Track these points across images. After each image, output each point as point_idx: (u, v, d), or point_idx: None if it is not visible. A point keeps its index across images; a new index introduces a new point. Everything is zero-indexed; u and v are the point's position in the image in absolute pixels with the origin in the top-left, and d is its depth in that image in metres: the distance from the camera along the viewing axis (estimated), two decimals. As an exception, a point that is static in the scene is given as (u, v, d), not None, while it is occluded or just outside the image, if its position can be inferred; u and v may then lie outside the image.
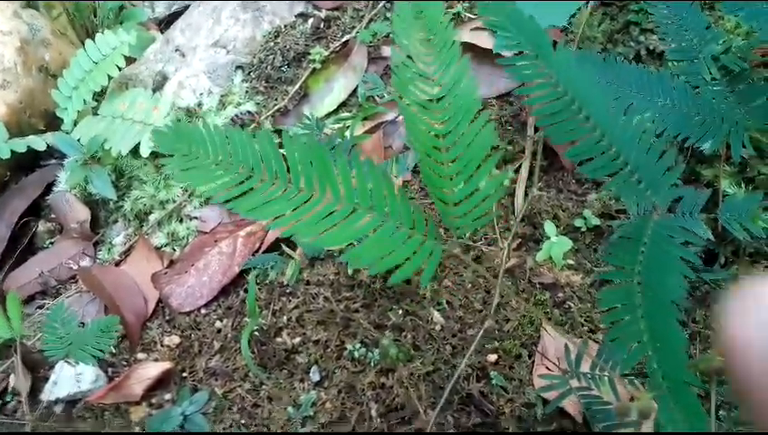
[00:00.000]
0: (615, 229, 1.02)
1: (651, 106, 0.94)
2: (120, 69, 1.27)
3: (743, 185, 1.00)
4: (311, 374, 1.03)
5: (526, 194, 1.12)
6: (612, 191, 0.64)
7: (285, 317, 1.10)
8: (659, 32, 1.23)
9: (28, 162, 1.39)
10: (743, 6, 0.87)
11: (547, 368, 0.95)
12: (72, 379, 1.03)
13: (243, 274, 1.16)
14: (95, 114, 1.27)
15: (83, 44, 1.64)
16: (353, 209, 0.48)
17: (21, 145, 1.24)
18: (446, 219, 0.51)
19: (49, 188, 1.34)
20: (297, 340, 1.07)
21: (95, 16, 1.70)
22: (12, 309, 0.92)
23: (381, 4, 1.42)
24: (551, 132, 0.60)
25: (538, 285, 1.03)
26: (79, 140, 1.24)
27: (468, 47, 1.33)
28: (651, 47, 1.28)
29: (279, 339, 1.08)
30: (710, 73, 0.94)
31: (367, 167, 0.49)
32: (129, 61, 1.41)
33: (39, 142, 1.25)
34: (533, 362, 0.97)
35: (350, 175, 0.49)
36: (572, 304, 1.01)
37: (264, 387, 1.04)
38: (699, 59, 0.98)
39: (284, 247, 1.08)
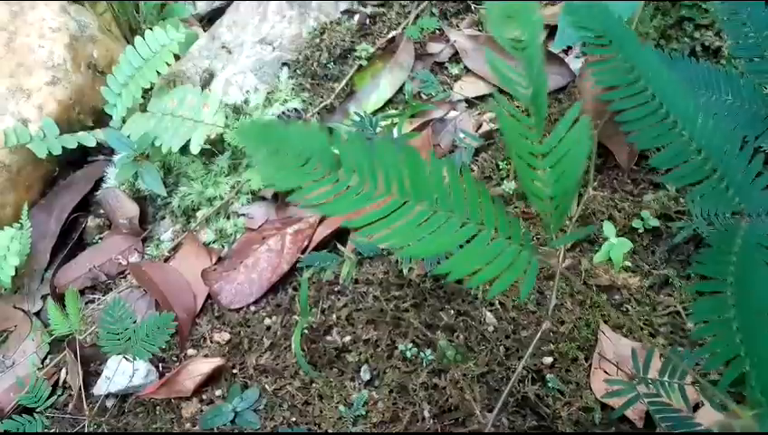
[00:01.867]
0: (675, 232, 1.00)
1: (719, 105, 0.91)
2: (169, 65, 1.27)
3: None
4: (361, 373, 1.03)
5: (580, 194, 1.10)
6: (698, 200, 0.62)
7: (335, 316, 1.09)
8: (716, 28, 1.20)
9: (76, 158, 1.40)
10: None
11: (605, 371, 0.94)
12: (125, 374, 1.04)
13: (291, 271, 1.16)
14: (144, 111, 1.28)
15: (127, 41, 1.65)
16: (448, 217, 0.47)
17: (71, 141, 1.25)
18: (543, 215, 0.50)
19: (97, 184, 1.35)
20: (347, 338, 1.07)
21: (138, 13, 1.72)
22: (70, 305, 0.93)
23: (427, 0, 1.40)
24: (637, 138, 0.59)
25: (594, 287, 1.02)
26: (129, 137, 1.25)
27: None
28: (706, 43, 1.24)
29: (329, 337, 1.08)
30: (779, 72, 0.92)
31: (464, 174, 0.48)
32: (175, 58, 1.42)
33: (89, 139, 1.27)
34: (590, 365, 0.95)
35: (443, 181, 0.47)
36: (630, 307, 0.99)
37: (314, 385, 1.04)
38: (765, 57, 0.95)
39: (339, 246, 1.08)
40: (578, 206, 1.07)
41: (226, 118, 1.27)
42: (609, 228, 0.97)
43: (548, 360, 0.97)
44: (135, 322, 1.10)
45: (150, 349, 0.92)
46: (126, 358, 0.91)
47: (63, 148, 1.25)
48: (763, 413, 0.46)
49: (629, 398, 0.75)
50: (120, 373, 1.04)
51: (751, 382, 0.48)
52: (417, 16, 1.38)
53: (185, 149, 1.25)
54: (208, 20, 1.77)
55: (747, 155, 0.60)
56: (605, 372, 0.93)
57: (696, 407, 0.86)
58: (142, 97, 1.36)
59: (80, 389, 1.07)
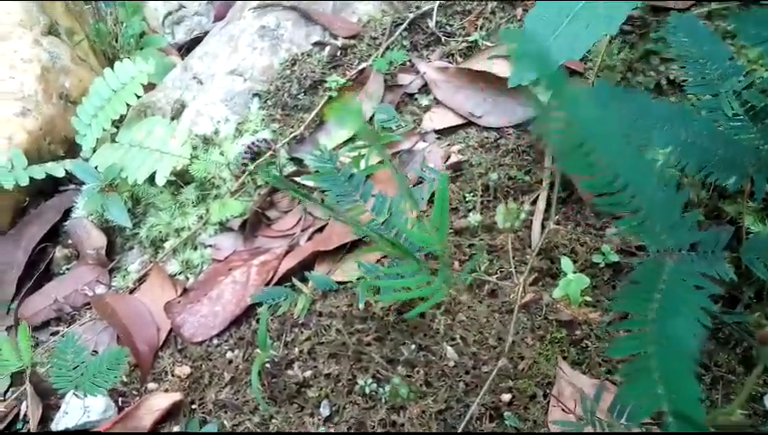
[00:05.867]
0: (635, 267, 0.99)
1: (673, 140, 0.91)
2: (138, 97, 1.28)
3: (767, 222, 0.97)
4: (321, 409, 1.01)
5: (543, 227, 1.10)
6: (624, 231, 0.63)
7: (297, 349, 1.08)
8: (680, 62, 1.21)
9: (48, 188, 1.40)
10: (765, 38, 0.84)
11: (563, 410, 0.93)
12: (81, 409, 1.03)
13: (255, 304, 1.15)
14: (114, 141, 1.28)
15: (104, 70, 1.66)
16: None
17: (39, 172, 1.25)
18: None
19: (67, 213, 1.35)
20: (308, 373, 1.06)
21: (116, 41, 1.73)
22: (22, 340, 0.92)
23: (398, 32, 1.42)
24: (566, 166, 0.59)
25: (554, 322, 1.01)
26: (96, 168, 1.25)
27: (485, 76, 1.32)
28: (672, 77, 1.25)
29: (290, 372, 1.07)
30: (732, 109, 0.92)
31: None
32: (150, 87, 1.43)
33: (58, 169, 1.27)
34: (549, 402, 0.94)
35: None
36: (590, 343, 0.98)
37: (273, 421, 1.02)
38: (721, 93, 0.95)
39: (295, 281, 1.07)
40: (539, 239, 1.07)
41: (195, 149, 1.27)
42: (566, 264, 0.97)
43: (506, 397, 0.96)
44: (96, 353, 1.10)
45: (102, 385, 0.91)
46: (75, 394, 0.90)
47: (31, 178, 1.25)
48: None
49: (577, 440, 0.74)
50: (76, 408, 1.03)
51: (668, 421, 0.48)
52: (388, 48, 1.39)
53: (153, 180, 1.25)
54: (187, 49, 1.78)
55: (674, 194, 0.60)
56: (563, 410, 0.92)
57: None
58: (115, 127, 1.37)
59: (36, 423, 1.06)
